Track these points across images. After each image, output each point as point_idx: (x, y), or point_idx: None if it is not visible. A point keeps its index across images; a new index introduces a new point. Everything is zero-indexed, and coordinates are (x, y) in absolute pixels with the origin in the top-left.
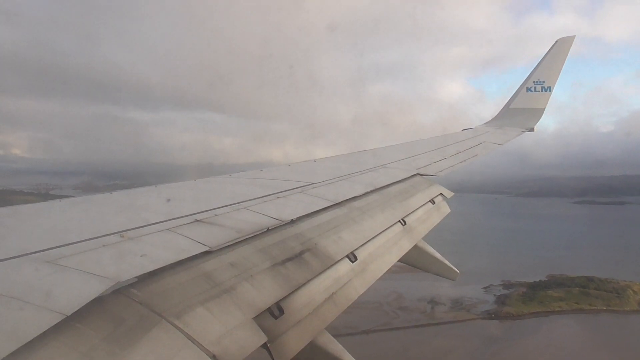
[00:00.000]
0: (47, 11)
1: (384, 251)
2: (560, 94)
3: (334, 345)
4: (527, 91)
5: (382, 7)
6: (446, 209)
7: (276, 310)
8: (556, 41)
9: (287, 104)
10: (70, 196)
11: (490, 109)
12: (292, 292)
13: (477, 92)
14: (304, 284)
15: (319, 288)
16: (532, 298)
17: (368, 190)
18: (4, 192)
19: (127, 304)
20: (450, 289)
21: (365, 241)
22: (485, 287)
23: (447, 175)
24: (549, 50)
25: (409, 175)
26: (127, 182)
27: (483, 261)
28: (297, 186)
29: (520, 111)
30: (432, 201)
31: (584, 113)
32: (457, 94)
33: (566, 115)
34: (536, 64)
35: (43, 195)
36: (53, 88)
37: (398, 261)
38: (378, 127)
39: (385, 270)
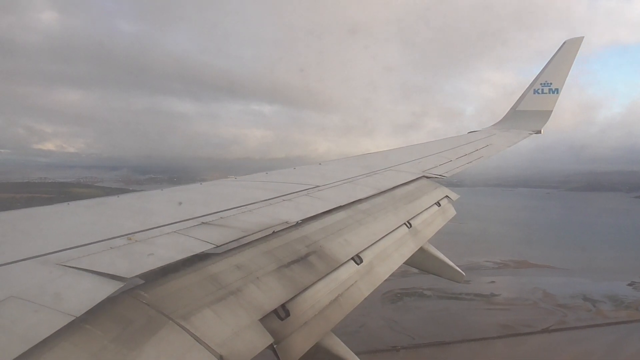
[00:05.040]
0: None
1: (389, 253)
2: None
3: (340, 347)
4: (534, 93)
5: None
6: (452, 212)
7: (282, 312)
8: (564, 42)
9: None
10: (111, 188)
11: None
12: (298, 294)
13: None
14: (309, 286)
15: (324, 290)
16: None
17: (374, 192)
18: (60, 185)
19: (136, 306)
20: (593, 286)
21: (370, 243)
22: (630, 284)
23: (486, 170)
24: (557, 51)
25: (415, 177)
26: (163, 176)
27: (598, 256)
28: (303, 189)
29: (527, 113)
30: (438, 203)
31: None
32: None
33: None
34: (544, 66)
35: (91, 186)
36: (105, 79)
37: (404, 263)
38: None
39: (391, 272)
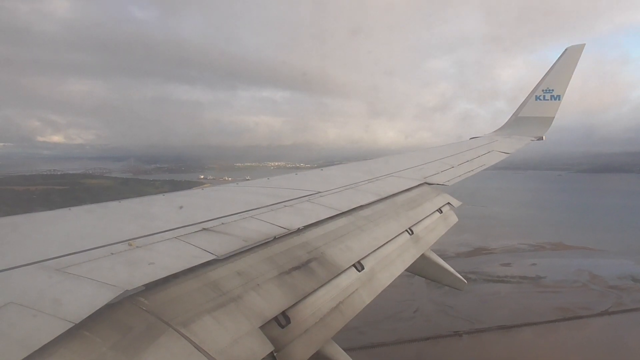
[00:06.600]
0: None
1: (391, 260)
2: None
3: (341, 356)
4: (535, 100)
5: None
6: (453, 219)
7: (283, 319)
8: (566, 49)
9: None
10: (122, 178)
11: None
12: (299, 301)
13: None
14: (310, 293)
15: (325, 297)
16: None
17: (375, 198)
18: (72, 176)
19: (135, 312)
20: (635, 267)
21: (372, 250)
22: None
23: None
24: (559, 58)
25: (417, 184)
26: (169, 165)
27: (630, 238)
28: (304, 195)
29: (529, 120)
30: (440, 210)
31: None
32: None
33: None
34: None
35: (101, 177)
36: (114, 68)
37: (405, 270)
38: None
39: (393, 279)
